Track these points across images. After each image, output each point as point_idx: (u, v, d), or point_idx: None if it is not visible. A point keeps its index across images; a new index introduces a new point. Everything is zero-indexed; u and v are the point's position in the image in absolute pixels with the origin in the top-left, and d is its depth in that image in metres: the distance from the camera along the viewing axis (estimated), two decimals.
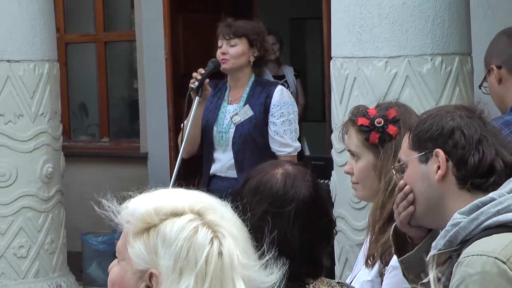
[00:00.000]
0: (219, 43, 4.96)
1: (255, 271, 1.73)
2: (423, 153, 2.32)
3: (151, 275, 1.73)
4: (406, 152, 2.37)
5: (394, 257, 2.83)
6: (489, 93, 3.70)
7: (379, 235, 2.89)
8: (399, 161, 2.40)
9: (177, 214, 1.74)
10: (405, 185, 2.37)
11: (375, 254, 2.90)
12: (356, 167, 2.99)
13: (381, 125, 2.93)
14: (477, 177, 2.28)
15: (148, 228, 1.74)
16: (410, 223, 2.43)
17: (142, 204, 1.78)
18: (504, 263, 2.10)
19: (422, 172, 2.33)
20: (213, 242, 1.71)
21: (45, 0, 6.02)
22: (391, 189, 2.84)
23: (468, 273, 2.10)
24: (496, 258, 2.10)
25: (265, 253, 1.76)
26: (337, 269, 4.48)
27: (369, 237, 2.98)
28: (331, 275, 4.74)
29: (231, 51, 4.91)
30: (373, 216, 2.93)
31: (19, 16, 5.87)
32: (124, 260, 1.78)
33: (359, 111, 3.01)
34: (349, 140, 3.02)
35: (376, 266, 2.92)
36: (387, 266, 2.87)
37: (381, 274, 2.90)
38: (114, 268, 1.83)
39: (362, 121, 2.95)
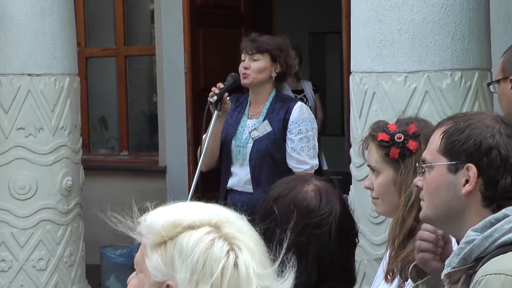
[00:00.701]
0: (242, 57, 4.97)
1: (272, 282, 1.73)
2: (454, 162, 2.28)
3: (168, 287, 1.73)
4: (434, 155, 2.33)
5: None
6: (499, 98, 3.66)
7: (399, 250, 2.88)
8: (423, 161, 2.36)
9: (194, 227, 1.76)
10: (421, 185, 2.34)
11: (395, 269, 2.89)
12: (376, 182, 2.99)
13: (401, 140, 2.92)
14: (504, 200, 2.25)
15: (165, 240, 1.76)
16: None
17: (160, 217, 1.79)
18: None
19: (449, 181, 2.29)
20: (229, 255, 1.72)
21: (67, 14, 6.06)
22: (411, 204, 2.83)
23: None
24: None
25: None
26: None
27: (388, 252, 2.97)
28: None
29: (253, 66, 4.92)
30: (392, 231, 2.92)
31: (40, 30, 5.91)
32: (142, 272, 1.80)
33: (379, 126, 3.01)
34: (369, 155, 3.01)
35: (396, 281, 2.91)
36: (406, 281, 2.87)
37: None
38: (133, 281, 1.84)
39: (382, 136, 2.95)
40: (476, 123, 2.30)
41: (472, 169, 2.26)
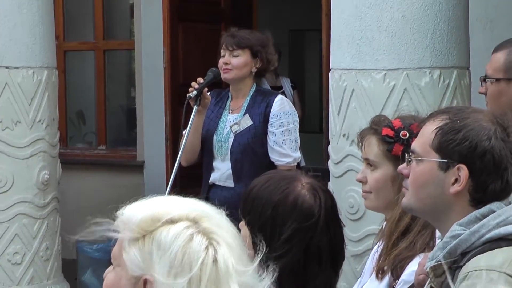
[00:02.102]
0: (222, 53, 4.96)
1: (250, 277, 1.73)
2: (446, 161, 2.27)
3: (145, 282, 1.73)
4: (426, 149, 2.30)
5: (406, 271, 2.83)
6: (494, 96, 3.62)
7: (392, 248, 2.88)
8: (413, 151, 2.34)
9: (172, 221, 1.74)
10: (407, 175, 2.32)
11: (386, 267, 2.88)
12: (372, 176, 2.97)
13: (406, 137, 2.91)
14: (492, 201, 2.25)
15: (143, 235, 1.75)
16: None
17: (138, 211, 1.78)
18: None
19: (438, 178, 2.28)
20: (208, 250, 1.71)
21: (45, 8, 6.03)
22: None
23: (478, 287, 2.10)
24: (505, 273, 2.11)
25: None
26: None
27: (379, 248, 2.96)
28: None
29: (234, 61, 4.90)
30: (389, 228, 2.91)
31: (19, 23, 5.87)
32: (119, 266, 1.79)
33: (381, 120, 3.00)
34: (367, 149, 2.99)
35: (386, 279, 2.91)
36: (397, 279, 2.86)
37: None
38: (109, 275, 1.83)
39: (386, 131, 2.93)
40: (473, 123, 2.26)
41: (464, 171, 2.24)
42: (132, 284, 1.75)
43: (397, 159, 2.91)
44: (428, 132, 2.30)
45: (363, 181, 3.01)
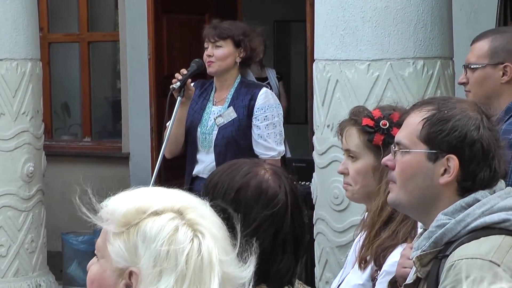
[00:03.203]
0: (205, 45, 4.95)
1: (233, 268, 1.73)
2: (435, 151, 2.26)
3: (130, 273, 1.72)
4: (413, 140, 2.30)
5: (388, 262, 2.84)
6: (479, 82, 3.63)
7: (374, 238, 2.88)
8: (398, 143, 2.33)
9: (157, 212, 1.74)
10: (393, 167, 2.31)
11: (368, 257, 2.89)
12: (353, 167, 2.97)
13: (386, 127, 2.91)
14: (480, 189, 2.26)
15: (128, 226, 1.74)
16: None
17: (122, 203, 1.77)
18: (499, 266, 2.11)
19: (427, 169, 2.27)
20: (193, 241, 1.71)
21: None
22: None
23: (464, 276, 2.11)
24: (490, 261, 2.11)
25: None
26: (317, 271, 4.48)
27: (361, 238, 2.97)
28: (312, 277, 4.75)
29: (216, 53, 4.89)
30: (371, 218, 2.91)
31: (2, 14, 5.85)
32: (104, 258, 1.78)
33: (361, 111, 3.00)
34: (348, 140, 2.99)
35: (368, 269, 2.91)
36: (380, 269, 2.87)
37: (373, 278, 2.90)
38: (93, 266, 1.82)
39: (366, 121, 2.93)
40: (460, 113, 2.27)
41: (454, 161, 2.24)
42: (116, 276, 1.75)
43: (377, 149, 2.92)
44: (414, 123, 2.30)
45: (344, 173, 3.02)
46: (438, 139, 2.26)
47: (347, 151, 3.00)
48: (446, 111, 2.28)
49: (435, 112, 2.28)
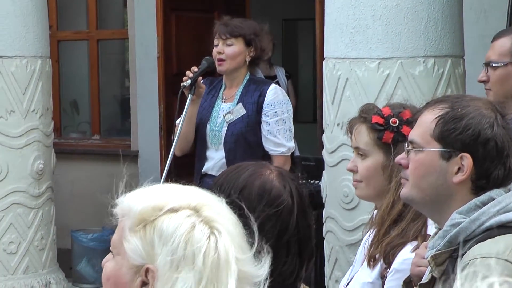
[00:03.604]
0: (215, 42, 4.94)
1: (249, 266, 1.73)
2: (449, 150, 2.26)
3: (147, 271, 1.72)
4: (426, 138, 2.29)
5: (397, 260, 2.83)
6: (500, 80, 3.61)
7: (384, 236, 2.88)
8: (411, 142, 2.32)
9: (173, 210, 1.73)
10: (407, 164, 2.31)
11: (377, 255, 2.89)
12: (363, 165, 2.97)
13: (396, 125, 2.91)
14: (494, 188, 2.26)
15: (144, 223, 1.73)
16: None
17: (139, 200, 1.76)
18: None
19: (440, 167, 2.27)
20: (210, 239, 1.70)
21: None
22: (400, 189, 2.82)
23: (478, 275, 2.10)
24: (506, 260, 2.11)
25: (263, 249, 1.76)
26: (327, 270, 4.48)
27: (370, 236, 2.96)
28: (321, 276, 4.75)
29: (227, 51, 4.89)
30: (381, 216, 2.91)
31: (12, 12, 5.86)
32: (120, 255, 1.77)
33: (370, 109, 2.99)
34: (357, 137, 2.98)
35: (377, 267, 2.90)
36: (389, 267, 2.87)
37: (382, 276, 2.89)
38: (109, 263, 1.81)
39: (376, 119, 2.92)
40: (474, 111, 2.26)
41: (468, 159, 2.24)
42: (133, 273, 1.74)
43: (387, 147, 2.91)
44: (428, 121, 2.29)
45: (353, 170, 3.01)
46: (451, 138, 2.25)
47: (357, 149, 3.00)
48: (459, 109, 2.27)
49: (449, 110, 2.28)
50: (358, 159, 2.99)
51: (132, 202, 1.76)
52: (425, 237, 2.83)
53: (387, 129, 2.91)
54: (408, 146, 2.34)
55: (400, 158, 2.36)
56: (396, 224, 2.87)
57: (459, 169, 2.26)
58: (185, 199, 1.75)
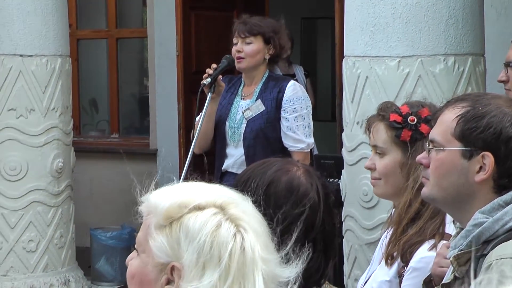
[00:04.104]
0: (235, 40, 4.94)
1: (275, 266, 1.72)
2: (470, 149, 2.24)
3: (172, 268, 1.71)
4: (447, 137, 2.27)
5: (414, 258, 2.82)
6: None
7: (401, 234, 2.87)
8: (432, 141, 2.30)
9: (200, 207, 1.73)
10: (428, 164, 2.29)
11: (395, 253, 2.88)
12: (381, 163, 2.96)
13: (414, 123, 2.90)
14: None
15: (170, 221, 1.73)
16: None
17: (165, 197, 1.76)
18: None
19: (462, 167, 2.25)
20: (236, 237, 1.70)
21: None
22: (418, 187, 2.82)
23: (502, 276, 2.09)
24: None
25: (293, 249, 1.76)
26: (346, 268, 4.47)
27: (388, 234, 2.96)
28: (340, 274, 4.74)
29: (246, 49, 4.89)
30: (399, 214, 2.90)
31: (32, 11, 5.89)
32: (145, 253, 1.77)
33: (389, 107, 2.99)
34: (375, 135, 2.98)
35: (395, 266, 2.90)
36: (407, 266, 2.86)
37: (399, 275, 2.88)
38: (134, 261, 1.81)
39: (394, 117, 2.92)
40: (495, 109, 2.24)
41: (490, 158, 2.22)
42: (158, 271, 1.73)
43: (405, 145, 2.91)
44: (448, 120, 2.28)
45: (371, 168, 3.01)
46: (472, 136, 2.23)
47: (375, 147, 2.99)
48: (480, 108, 2.25)
49: (470, 108, 2.26)
50: (376, 157, 2.98)
51: (158, 200, 1.76)
52: (443, 236, 2.82)
53: (405, 127, 2.91)
54: (428, 146, 2.32)
55: (421, 157, 2.35)
56: (414, 223, 2.87)
57: (480, 168, 2.24)
58: (211, 197, 1.75)
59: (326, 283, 2.35)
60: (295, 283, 1.73)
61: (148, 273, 1.75)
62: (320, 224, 2.27)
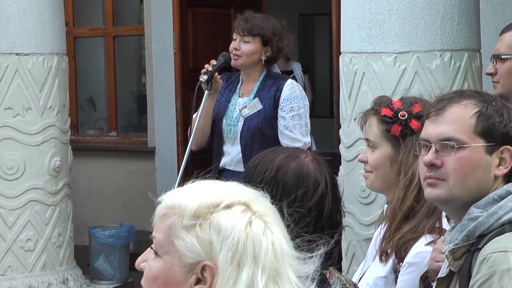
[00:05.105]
0: (234, 36, 4.95)
1: (296, 261, 1.74)
2: (492, 144, 2.26)
3: (203, 268, 1.71)
4: (469, 135, 2.27)
5: (410, 253, 2.83)
6: (506, 73, 3.60)
7: (396, 231, 2.87)
8: (449, 139, 2.28)
9: (228, 206, 1.73)
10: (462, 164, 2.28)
11: (389, 250, 2.88)
12: (372, 156, 2.98)
13: (404, 118, 2.91)
14: None
15: (199, 220, 1.72)
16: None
17: (190, 197, 1.76)
18: None
19: (486, 162, 2.27)
20: (266, 233, 1.71)
21: None
22: (413, 185, 2.83)
23: (497, 269, 2.10)
24: None
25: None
26: (344, 264, 4.48)
27: (382, 231, 2.96)
28: (338, 270, 4.74)
29: (243, 48, 4.89)
30: (392, 211, 2.91)
31: (28, 9, 5.88)
32: (169, 254, 1.75)
33: (383, 101, 2.99)
34: (368, 129, 3.00)
35: (390, 262, 2.90)
36: (401, 262, 2.86)
37: (395, 270, 2.89)
38: (153, 263, 1.78)
39: (385, 111, 2.93)
40: (501, 104, 2.28)
41: (510, 151, 2.26)
42: (186, 271, 1.73)
43: (395, 140, 2.92)
44: (465, 117, 2.28)
45: (364, 161, 3.03)
46: (495, 131, 2.26)
47: (367, 140, 3.02)
48: (494, 103, 2.28)
49: (485, 104, 2.28)
50: (369, 150, 3.01)
51: (182, 200, 1.75)
52: (440, 232, 2.82)
53: (395, 122, 2.92)
54: (436, 145, 2.29)
55: (433, 158, 2.31)
56: (408, 220, 2.87)
57: (499, 162, 2.26)
58: (235, 195, 1.76)
59: (331, 268, 2.36)
60: (313, 279, 1.73)
61: (175, 274, 1.74)
62: (328, 212, 2.29)
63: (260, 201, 1.76)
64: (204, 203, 1.73)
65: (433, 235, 2.82)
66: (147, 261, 1.80)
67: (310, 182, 2.30)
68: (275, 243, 1.71)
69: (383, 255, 2.90)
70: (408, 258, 2.84)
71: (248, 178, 2.34)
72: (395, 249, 2.85)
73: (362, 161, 3.04)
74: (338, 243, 2.33)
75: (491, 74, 3.67)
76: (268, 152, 2.39)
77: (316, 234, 2.21)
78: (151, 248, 1.80)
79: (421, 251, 2.80)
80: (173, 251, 1.74)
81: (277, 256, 1.70)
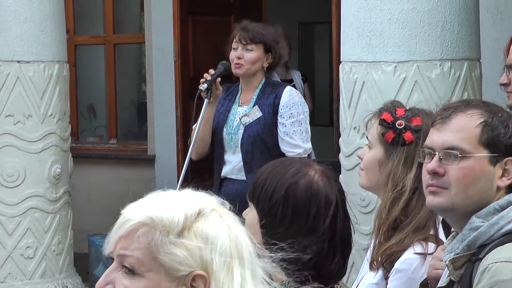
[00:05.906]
0: (234, 45, 4.95)
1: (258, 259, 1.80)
2: (496, 155, 2.26)
3: (193, 278, 1.70)
4: (473, 145, 2.27)
5: (399, 260, 2.84)
6: None
7: (384, 241, 2.89)
8: (452, 148, 2.28)
9: (204, 214, 1.74)
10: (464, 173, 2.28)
11: (376, 262, 2.90)
12: (366, 155, 3.01)
13: (400, 127, 2.93)
14: None
15: (182, 232, 1.71)
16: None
17: (168, 210, 1.73)
18: None
19: (489, 173, 2.27)
20: (241, 233, 1.75)
21: (56, 2, 6.04)
22: (403, 200, 2.84)
23: (498, 279, 2.10)
24: None
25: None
26: None
27: (373, 240, 2.98)
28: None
29: (247, 56, 4.91)
30: (378, 219, 2.93)
31: (30, 17, 5.89)
32: (152, 271, 1.71)
33: (390, 106, 3.02)
34: (370, 128, 3.03)
35: (380, 270, 2.93)
36: (389, 272, 2.88)
37: (386, 277, 2.91)
38: (131, 283, 1.72)
39: (386, 116, 2.96)
40: (507, 115, 2.28)
41: None
42: (175, 285, 1.71)
43: (389, 146, 2.94)
44: (470, 126, 2.27)
45: (361, 158, 3.06)
46: (500, 142, 2.26)
47: (367, 139, 3.04)
48: (500, 114, 2.28)
49: (491, 115, 2.28)
50: (367, 149, 3.03)
51: (162, 214, 1.72)
52: (437, 240, 2.83)
53: (391, 129, 2.94)
54: (439, 154, 2.28)
55: (436, 166, 2.30)
56: (395, 231, 2.88)
57: (502, 173, 2.26)
58: (205, 202, 1.76)
59: (341, 282, 2.37)
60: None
61: None
62: (340, 229, 2.28)
63: (221, 206, 1.79)
64: (188, 214, 1.72)
65: (424, 244, 2.84)
66: (113, 283, 1.75)
67: (322, 201, 2.26)
68: (247, 242, 1.75)
69: (373, 263, 2.92)
70: (396, 265, 2.86)
71: (255, 195, 2.31)
72: (382, 261, 2.88)
73: (359, 157, 3.08)
74: (347, 258, 2.33)
75: (504, 85, 3.67)
76: (277, 166, 2.34)
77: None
78: (120, 267, 1.75)
79: (408, 258, 2.82)
80: (157, 267, 1.71)
81: (251, 253, 1.75)
